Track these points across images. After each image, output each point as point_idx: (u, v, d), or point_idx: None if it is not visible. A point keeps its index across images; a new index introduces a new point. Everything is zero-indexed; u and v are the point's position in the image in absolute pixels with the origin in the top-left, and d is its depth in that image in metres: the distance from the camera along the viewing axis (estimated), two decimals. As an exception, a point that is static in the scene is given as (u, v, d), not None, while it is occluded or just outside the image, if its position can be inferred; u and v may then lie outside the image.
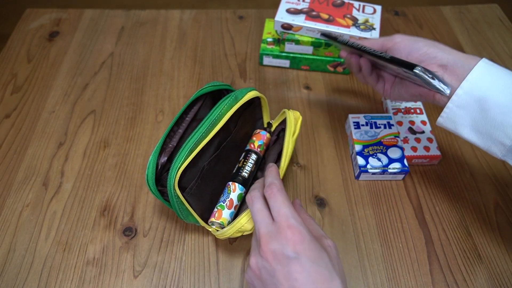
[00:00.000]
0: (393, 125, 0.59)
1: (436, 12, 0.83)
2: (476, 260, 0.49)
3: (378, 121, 0.59)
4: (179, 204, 0.43)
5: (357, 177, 0.56)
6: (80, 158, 0.58)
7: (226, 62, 0.72)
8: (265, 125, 0.56)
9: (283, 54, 0.69)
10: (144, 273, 0.48)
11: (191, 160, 0.42)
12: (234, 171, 0.50)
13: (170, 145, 0.47)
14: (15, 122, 0.63)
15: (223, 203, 0.46)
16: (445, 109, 0.41)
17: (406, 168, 0.54)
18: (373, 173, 0.55)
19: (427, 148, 0.57)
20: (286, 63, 0.71)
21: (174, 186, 0.41)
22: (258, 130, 0.53)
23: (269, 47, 0.70)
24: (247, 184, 0.48)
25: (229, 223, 0.45)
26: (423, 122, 0.60)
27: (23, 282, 0.47)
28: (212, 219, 0.46)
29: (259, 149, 0.51)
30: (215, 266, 0.48)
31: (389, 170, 0.54)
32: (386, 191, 0.55)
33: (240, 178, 0.48)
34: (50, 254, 0.49)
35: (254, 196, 0.38)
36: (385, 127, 0.58)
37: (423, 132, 0.59)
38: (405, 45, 0.44)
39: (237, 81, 0.69)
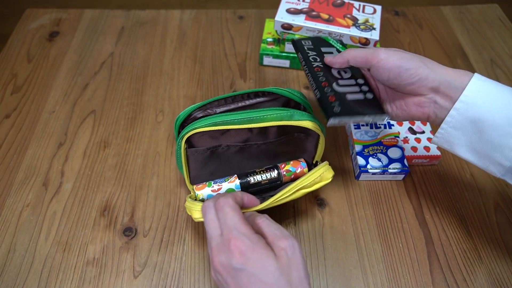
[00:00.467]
0: (393, 125, 0.59)
1: (436, 12, 0.83)
2: (476, 260, 0.49)
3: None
4: (178, 153, 0.47)
5: (357, 177, 0.56)
6: (80, 158, 0.58)
7: (226, 62, 0.72)
8: (313, 161, 0.52)
9: (283, 54, 0.69)
10: (144, 273, 0.48)
11: (212, 132, 0.46)
12: (247, 171, 0.50)
13: (212, 110, 0.47)
14: (15, 122, 0.63)
15: (213, 183, 0.48)
16: (439, 130, 0.40)
17: (406, 168, 0.54)
18: (373, 173, 0.55)
19: (427, 148, 0.57)
20: (286, 63, 0.71)
21: (183, 137, 0.45)
22: (301, 160, 0.51)
23: (269, 47, 0.70)
24: (246, 189, 0.48)
25: (201, 200, 0.48)
26: (423, 122, 0.60)
27: (23, 282, 0.47)
28: (194, 186, 0.49)
29: (284, 173, 0.49)
30: (215, 266, 0.48)
31: (389, 170, 0.54)
32: (386, 191, 0.55)
33: (245, 179, 0.48)
34: (50, 254, 0.49)
35: (207, 206, 0.38)
36: (385, 127, 0.58)
37: (423, 132, 0.59)
38: (393, 65, 0.40)
39: (237, 81, 0.69)
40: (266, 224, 0.37)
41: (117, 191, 0.55)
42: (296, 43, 0.51)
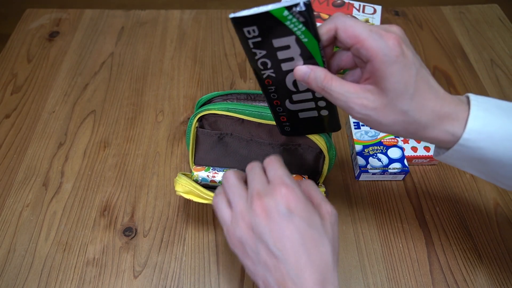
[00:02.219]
0: (393, 125, 0.59)
1: (436, 12, 0.83)
2: (476, 260, 0.49)
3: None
4: (189, 130, 0.49)
5: (357, 177, 0.56)
6: (80, 158, 0.58)
7: (226, 62, 0.72)
8: (317, 181, 0.51)
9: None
10: (144, 273, 0.48)
11: (223, 119, 0.47)
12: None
13: (232, 101, 0.48)
14: (15, 122, 0.63)
15: (212, 169, 0.50)
16: (442, 156, 0.36)
17: (406, 168, 0.54)
18: (373, 173, 0.55)
19: (427, 148, 0.57)
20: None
21: (196, 115, 0.47)
22: (305, 176, 0.50)
23: (269, 47, 0.70)
24: None
25: (195, 181, 0.50)
26: (423, 122, 0.60)
27: (23, 282, 0.47)
28: (194, 167, 0.51)
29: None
30: (215, 266, 0.48)
31: (389, 170, 0.54)
32: (386, 191, 0.55)
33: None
34: (50, 254, 0.49)
35: (254, 165, 0.37)
36: (385, 127, 0.58)
37: (423, 132, 0.59)
38: (372, 128, 0.35)
39: (237, 81, 0.69)
40: (315, 188, 0.36)
41: (117, 191, 0.55)
42: (237, 31, 0.33)
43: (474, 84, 0.69)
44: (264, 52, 0.34)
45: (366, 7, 0.70)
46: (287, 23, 0.31)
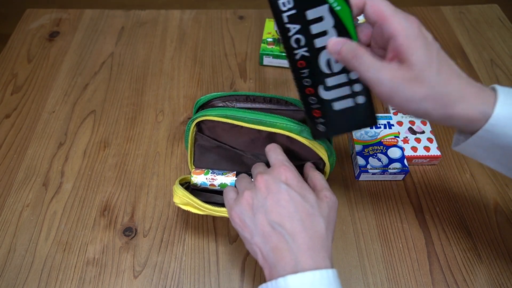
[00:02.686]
0: (393, 125, 0.59)
1: (436, 12, 0.83)
2: (476, 260, 0.49)
3: (378, 121, 0.59)
4: (187, 134, 0.49)
5: (357, 177, 0.56)
6: (80, 158, 0.58)
7: (226, 62, 0.72)
8: None
9: (283, 54, 0.69)
10: (144, 273, 0.48)
11: (222, 124, 0.46)
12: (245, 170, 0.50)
13: (231, 103, 0.48)
14: (15, 122, 0.63)
15: (211, 172, 0.49)
16: (462, 145, 0.35)
17: (406, 168, 0.54)
18: (373, 173, 0.55)
19: (427, 148, 0.57)
20: (286, 63, 0.71)
21: (194, 120, 0.46)
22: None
23: (269, 47, 0.70)
24: None
25: (194, 185, 0.50)
26: (423, 122, 0.60)
27: (23, 282, 0.47)
28: (193, 170, 0.50)
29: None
30: (215, 266, 0.48)
31: (389, 170, 0.54)
32: (386, 191, 0.55)
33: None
34: (50, 254, 0.49)
35: (258, 163, 0.43)
36: (385, 127, 0.58)
37: (423, 132, 0.59)
38: (399, 110, 0.34)
39: (237, 81, 0.69)
40: (321, 177, 0.41)
41: (117, 191, 0.55)
42: (272, 6, 0.34)
43: (474, 84, 0.69)
44: (298, 27, 0.34)
45: (366, 7, 0.70)
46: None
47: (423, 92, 0.31)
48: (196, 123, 0.47)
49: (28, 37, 0.77)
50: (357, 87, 0.37)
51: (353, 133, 0.58)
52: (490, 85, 0.34)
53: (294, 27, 0.34)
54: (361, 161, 0.55)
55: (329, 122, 0.39)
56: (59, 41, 0.76)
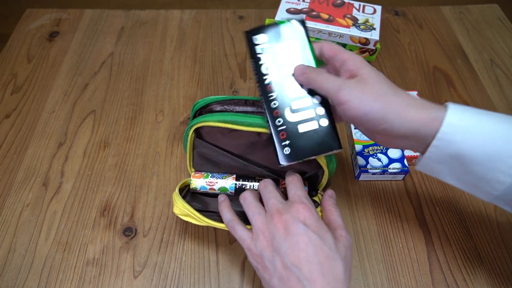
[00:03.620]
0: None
1: (436, 12, 0.83)
2: (476, 260, 0.49)
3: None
4: (185, 140, 0.48)
5: (357, 177, 0.56)
6: (80, 158, 0.58)
7: (226, 62, 0.72)
8: (317, 188, 0.49)
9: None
10: (144, 273, 0.48)
11: (221, 129, 0.45)
12: (248, 173, 0.50)
13: (230, 107, 0.47)
14: (15, 122, 0.63)
15: (210, 176, 0.49)
16: (421, 160, 0.37)
17: (406, 168, 0.54)
18: (373, 173, 0.55)
19: (427, 148, 0.57)
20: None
21: (192, 126, 0.45)
22: (306, 183, 0.49)
23: (269, 47, 0.70)
24: (239, 192, 0.47)
25: (194, 189, 0.49)
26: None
27: (23, 282, 0.47)
28: (193, 173, 0.50)
29: (282, 190, 0.48)
30: (215, 266, 0.48)
31: (389, 170, 0.54)
32: (386, 191, 0.55)
33: (241, 182, 0.48)
34: (50, 254, 0.49)
35: (268, 183, 0.42)
36: (385, 127, 0.58)
37: (423, 132, 0.59)
38: (356, 114, 0.36)
39: (237, 81, 0.69)
40: (337, 213, 0.40)
41: (117, 191, 0.55)
42: (248, 41, 0.42)
43: (474, 84, 0.69)
44: (269, 57, 0.41)
45: (366, 7, 0.70)
46: (289, 31, 0.40)
47: (374, 103, 0.35)
48: (195, 129, 0.46)
49: (28, 37, 0.77)
50: (320, 111, 0.41)
51: (353, 133, 0.58)
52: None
53: (265, 57, 0.41)
54: (361, 161, 0.55)
55: (294, 144, 0.40)
56: (59, 41, 0.76)
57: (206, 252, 0.49)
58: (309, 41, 0.41)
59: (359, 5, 0.70)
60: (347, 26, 0.65)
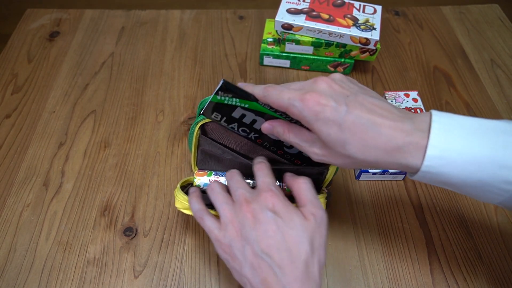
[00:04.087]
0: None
1: (436, 12, 0.83)
2: (477, 260, 0.49)
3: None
4: (191, 136, 0.47)
5: (358, 177, 0.56)
6: (81, 158, 0.58)
7: (227, 62, 0.72)
8: (321, 186, 0.48)
9: (284, 54, 0.69)
10: (144, 273, 0.48)
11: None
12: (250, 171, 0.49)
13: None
14: (15, 122, 0.63)
15: (214, 174, 0.49)
16: (414, 177, 0.34)
17: (406, 168, 0.54)
18: (374, 173, 0.55)
19: (427, 148, 0.57)
20: (286, 63, 0.71)
21: (198, 123, 0.44)
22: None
23: (270, 47, 0.70)
24: None
25: (197, 186, 0.48)
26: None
27: (24, 282, 0.47)
28: (196, 171, 0.49)
29: (285, 187, 0.48)
30: (216, 266, 0.48)
31: (390, 170, 0.54)
32: (387, 191, 0.55)
33: (245, 180, 0.48)
34: (50, 254, 0.49)
35: (234, 173, 0.41)
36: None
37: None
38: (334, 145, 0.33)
39: (238, 81, 0.69)
40: (307, 187, 0.38)
41: (117, 191, 0.55)
42: (211, 119, 0.42)
43: (474, 84, 0.69)
44: (235, 124, 0.41)
45: (366, 7, 0.70)
46: (225, 101, 0.38)
47: (343, 161, 0.34)
48: (200, 126, 0.47)
49: (28, 37, 0.77)
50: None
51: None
52: (430, 111, 0.32)
53: (233, 125, 0.42)
54: (361, 161, 0.55)
55: (309, 163, 0.44)
56: (59, 41, 0.76)
57: (206, 252, 0.49)
58: (246, 99, 0.38)
59: (360, 5, 0.70)
60: (348, 26, 0.65)
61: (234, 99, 0.38)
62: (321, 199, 0.47)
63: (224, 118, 0.41)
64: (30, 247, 0.50)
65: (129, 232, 0.51)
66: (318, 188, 0.49)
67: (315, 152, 0.35)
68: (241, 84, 0.38)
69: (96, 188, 0.55)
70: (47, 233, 0.51)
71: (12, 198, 0.54)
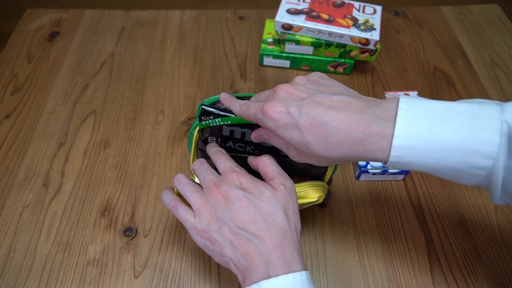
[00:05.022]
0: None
1: (436, 12, 0.83)
2: (477, 260, 0.49)
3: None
4: (190, 140, 0.46)
5: (358, 177, 0.56)
6: (81, 159, 0.58)
7: (227, 62, 0.72)
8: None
9: (284, 54, 0.69)
10: (144, 273, 0.48)
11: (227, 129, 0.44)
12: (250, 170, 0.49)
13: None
14: (15, 122, 0.63)
15: None
16: (387, 164, 0.33)
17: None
18: (374, 173, 0.55)
19: (427, 148, 0.57)
20: (286, 63, 0.71)
21: (196, 126, 0.44)
22: (307, 178, 0.48)
23: (270, 47, 0.70)
24: None
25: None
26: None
27: (24, 283, 0.47)
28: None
29: None
30: (216, 266, 0.48)
31: (390, 170, 0.54)
32: (387, 191, 0.55)
33: None
34: (50, 255, 0.49)
35: (201, 161, 0.41)
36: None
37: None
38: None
39: (238, 81, 0.69)
40: (271, 162, 0.39)
41: (117, 191, 0.55)
42: (209, 143, 0.44)
43: (474, 84, 0.69)
44: (231, 142, 0.43)
45: (366, 7, 0.70)
46: (211, 124, 0.41)
47: (316, 160, 0.35)
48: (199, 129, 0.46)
49: (28, 37, 0.77)
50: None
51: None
52: (398, 96, 0.31)
53: (230, 143, 0.43)
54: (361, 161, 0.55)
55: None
56: (59, 41, 0.76)
57: (206, 252, 0.49)
58: (227, 116, 0.40)
59: (359, 5, 0.70)
60: (347, 27, 0.65)
61: (216, 120, 0.41)
62: (310, 186, 0.45)
63: (219, 139, 0.43)
64: (30, 247, 0.50)
65: (129, 232, 0.51)
66: (318, 177, 0.49)
67: (292, 155, 0.37)
68: (222, 96, 0.40)
69: (96, 188, 0.55)
70: (47, 233, 0.51)
71: (12, 198, 0.54)
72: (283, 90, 0.35)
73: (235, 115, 0.39)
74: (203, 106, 0.40)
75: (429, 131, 0.29)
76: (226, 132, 0.42)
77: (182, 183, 0.40)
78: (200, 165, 0.41)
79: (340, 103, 0.32)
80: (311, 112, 0.32)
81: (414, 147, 0.29)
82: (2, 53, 0.74)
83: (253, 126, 0.40)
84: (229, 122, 0.41)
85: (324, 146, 0.32)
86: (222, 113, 0.40)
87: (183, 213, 0.38)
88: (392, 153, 0.30)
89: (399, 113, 0.29)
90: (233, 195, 0.36)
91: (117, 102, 0.66)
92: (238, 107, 0.38)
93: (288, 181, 0.38)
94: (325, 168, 0.46)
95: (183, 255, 0.49)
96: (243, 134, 0.42)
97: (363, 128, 0.30)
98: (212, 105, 0.47)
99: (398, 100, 0.30)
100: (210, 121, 0.41)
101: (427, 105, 0.30)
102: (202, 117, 0.41)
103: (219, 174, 0.39)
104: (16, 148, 0.60)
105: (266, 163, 0.39)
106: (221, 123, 0.41)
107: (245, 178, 0.37)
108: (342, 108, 0.31)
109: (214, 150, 0.42)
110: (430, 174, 0.32)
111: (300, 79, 0.37)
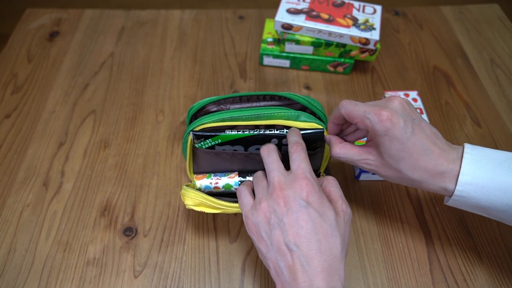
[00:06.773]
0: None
1: (436, 12, 0.83)
2: (477, 260, 0.49)
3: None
4: (184, 145, 0.47)
5: (357, 177, 0.56)
6: (81, 158, 0.58)
7: (226, 62, 0.73)
8: (318, 171, 0.50)
9: (283, 54, 0.69)
10: (144, 273, 0.48)
11: (220, 127, 0.45)
12: (249, 168, 0.50)
13: (226, 106, 0.47)
14: (15, 122, 0.63)
15: (213, 176, 0.49)
16: (449, 202, 0.39)
17: (406, 168, 0.54)
18: (374, 173, 0.55)
19: (427, 148, 0.57)
20: (286, 63, 0.71)
21: (189, 131, 0.45)
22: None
23: (269, 47, 0.70)
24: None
25: (198, 189, 0.48)
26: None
27: (24, 282, 0.47)
28: (195, 175, 0.49)
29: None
30: (216, 266, 0.48)
31: (389, 170, 0.54)
32: (386, 191, 0.55)
33: (245, 177, 0.48)
34: (50, 254, 0.49)
35: (271, 148, 0.40)
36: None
37: (423, 132, 0.59)
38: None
39: (237, 81, 0.69)
40: (336, 184, 0.39)
41: (117, 191, 0.55)
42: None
43: (474, 84, 0.69)
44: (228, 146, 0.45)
45: (366, 7, 0.70)
46: (203, 146, 0.45)
47: (391, 174, 0.39)
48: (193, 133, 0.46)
49: (28, 37, 0.77)
50: None
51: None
52: (463, 145, 0.38)
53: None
54: (361, 161, 0.55)
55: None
56: (59, 41, 0.76)
57: (206, 252, 0.49)
58: (215, 136, 0.44)
59: (359, 5, 0.70)
60: (347, 26, 0.65)
61: (208, 141, 0.44)
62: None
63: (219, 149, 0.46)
64: (30, 247, 0.50)
65: (129, 232, 0.51)
66: (315, 171, 0.49)
67: (367, 163, 0.40)
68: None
69: (96, 188, 0.55)
70: (47, 233, 0.51)
71: (12, 198, 0.54)
72: (398, 102, 0.38)
73: (223, 131, 0.43)
74: (192, 132, 0.43)
75: (490, 172, 0.35)
76: (219, 148, 0.45)
77: (256, 177, 0.41)
78: (268, 153, 0.40)
79: (436, 138, 0.38)
80: (417, 135, 0.37)
81: (477, 184, 0.35)
82: (2, 53, 0.74)
83: (243, 140, 0.43)
84: (219, 141, 0.44)
85: (413, 167, 0.37)
86: (212, 133, 0.43)
87: (243, 199, 0.39)
88: (458, 187, 0.36)
89: (465, 155, 0.36)
90: (295, 204, 0.35)
91: (117, 102, 0.66)
92: (340, 104, 0.41)
93: (349, 210, 0.37)
94: (320, 164, 0.47)
95: (183, 255, 0.49)
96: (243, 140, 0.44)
97: (447, 163, 0.37)
98: (202, 109, 0.48)
99: (464, 146, 0.37)
100: (204, 143, 0.44)
101: (488, 152, 0.37)
102: (195, 141, 0.44)
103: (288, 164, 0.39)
104: (16, 148, 0.60)
105: (331, 183, 0.39)
106: (212, 143, 0.44)
107: (314, 190, 0.35)
108: (436, 143, 0.37)
109: (295, 139, 0.40)
110: (489, 214, 0.38)
111: (408, 100, 0.40)
